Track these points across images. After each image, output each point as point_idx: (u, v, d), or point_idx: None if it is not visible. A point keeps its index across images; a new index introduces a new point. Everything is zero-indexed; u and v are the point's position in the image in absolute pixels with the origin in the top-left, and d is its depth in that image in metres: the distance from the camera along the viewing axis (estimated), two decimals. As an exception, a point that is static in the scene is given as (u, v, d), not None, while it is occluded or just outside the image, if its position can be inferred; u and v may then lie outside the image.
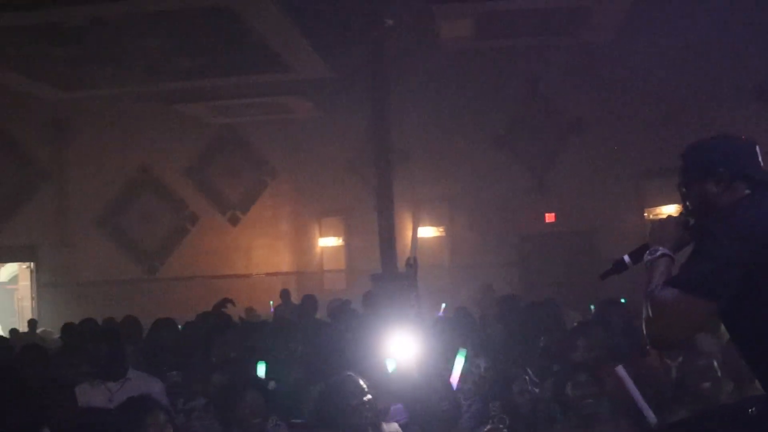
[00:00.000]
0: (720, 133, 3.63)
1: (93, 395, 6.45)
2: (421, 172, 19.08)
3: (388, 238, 14.31)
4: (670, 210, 16.44)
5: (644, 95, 16.74)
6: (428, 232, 19.99)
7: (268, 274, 21.13)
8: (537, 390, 6.07)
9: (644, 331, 3.24)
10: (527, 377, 6.14)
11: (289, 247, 21.81)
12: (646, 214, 17.63)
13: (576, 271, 16.51)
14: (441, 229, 19.91)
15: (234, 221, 21.40)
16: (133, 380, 6.55)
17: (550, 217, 18.75)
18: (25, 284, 21.37)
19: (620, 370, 4.80)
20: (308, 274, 21.42)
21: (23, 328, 16.66)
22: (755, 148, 3.45)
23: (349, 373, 5.31)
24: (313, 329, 8.77)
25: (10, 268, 22.70)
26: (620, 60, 15.57)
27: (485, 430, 5.59)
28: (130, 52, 15.23)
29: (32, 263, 20.85)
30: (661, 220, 3.62)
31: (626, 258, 3.63)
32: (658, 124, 16.35)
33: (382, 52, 14.61)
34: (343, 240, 20.99)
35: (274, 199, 21.54)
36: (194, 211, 21.25)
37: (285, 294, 16.34)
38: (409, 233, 19.88)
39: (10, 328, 17.19)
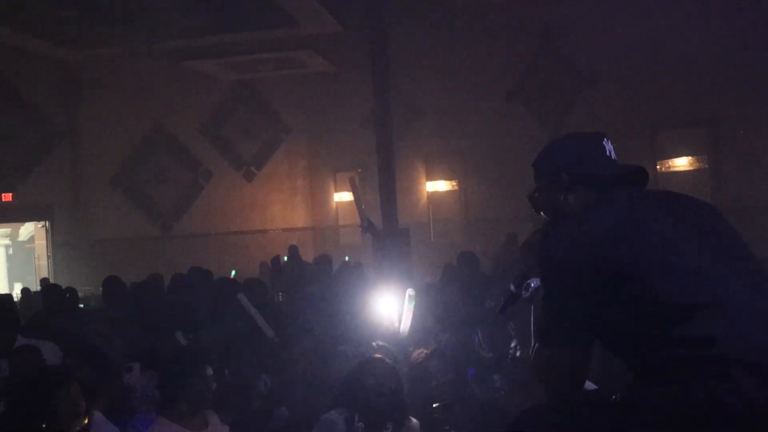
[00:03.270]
0: (569, 133, 3.43)
1: None
2: (433, 126, 19.09)
3: (389, 194, 14.37)
4: (683, 163, 16.46)
5: (657, 47, 16.66)
6: (441, 186, 20.04)
7: (284, 229, 21.22)
8: (489, 355, 6.04)
9: None
10: (477, 340, 6.13)
11: (305, 202, 21.89)
12: (658, 167, 17.61)
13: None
14: (454, 183, 19.95)
15: (249, 177, 21.45)
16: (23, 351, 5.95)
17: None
18: (41, 243, 21.48)
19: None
20: (324, 229, 21.51)
21: (38, 287, 16.75)
22: (602, 142, 3.19)
23: (379, 355, 5.31)
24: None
25: (29, 227, 22.85)
26: (633, 11, 15.50)
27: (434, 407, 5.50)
28: (140, 11, 15.23)
29: (47, 222, 20.92)
30: (529, 240, 3.39)
31: (512, 287, 3.35)
32: (672, 76, 16.29)
33: (383, 4, 14.54)
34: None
35: (289, 155, 21.57)
36: (209, 167, 21.31)
37: (293, 250, 16.31)
38: (422, 187, 19.93)
39: (23, 287, 17.33)
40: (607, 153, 3.19)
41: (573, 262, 2.85)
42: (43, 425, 3.92)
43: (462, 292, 8.40)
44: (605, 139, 3.22)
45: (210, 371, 4.93)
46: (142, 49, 17.47)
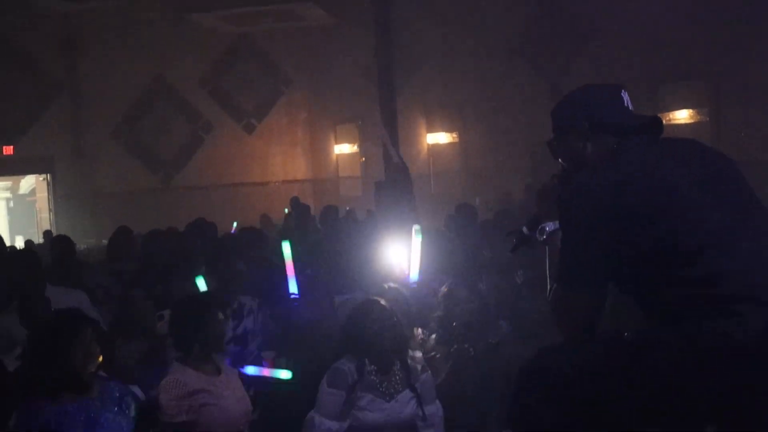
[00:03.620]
0: (585, 84, 3.49)
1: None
2: (433, 78, 19.05)
3: (391, 145, 14.38)
4: (683, 116, 16.46)
5: (658, 1, 16.58)
6: (441, 138, 20.04)
7: (284, 181, 21.27)
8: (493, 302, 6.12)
9: None
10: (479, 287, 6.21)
11: (305, 154, 21.93)
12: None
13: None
14: (454, 135, 19.94)
15: (249, 129, 21.47)
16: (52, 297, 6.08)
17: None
18: (43, 196, 21.52)
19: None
20: (324, 181, 21.56)
21: (41, 240, 16.82)
22: (620, 93, 3.29)
23: (375, 297, 5.45)
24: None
25: (30, 181, 22.88)
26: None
27: (452, 349, 5.64)
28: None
29: (48, 175, 20.95)
30: (546, 185, 3.52)
31: (525, 230, 3.51)
32: (672, 29, 16.22)
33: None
34: (358, 147, 21.06)
35: (289, 107, 21.57)
36: (209, 120, 21.31)
37: (295, 202, 16.36)
38: (423, 139, 19.95)
39: (26, 239, 17.41)
40: (625, 104, 3.28)
41: (591, 207, 2.99)
42: (60, 367, 4.14)
43: (462, 241, 8.49)
44: (623, 91, 3.31)
45: (221, 316, 5.08)
46: (140, 2, 17.40)
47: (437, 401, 5.15)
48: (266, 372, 5.67)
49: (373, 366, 4.98)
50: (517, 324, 5.89)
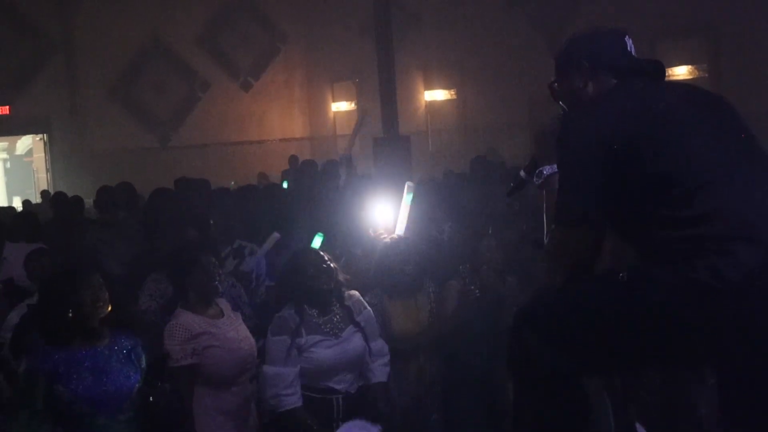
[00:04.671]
0: (592, 26, 3.55)
1: None
2: (431, 35, 18.94)
3: (389, 102, 14.34)
4: (682, 71, 16.38)
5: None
6: (439, 95, 19.96)
7: (281, 139, 21.23)
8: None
9: None
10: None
11: (302, 112, 21.87)
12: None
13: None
14: (452, 92, 19.86)
15: (246, 87, 21.41)
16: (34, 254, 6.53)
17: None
18: (40, 156, 21.50)
19: None
20: (321, 139, 21.52)
21: (39, 200, 16.81)
22: (624, 38, 3.33)
23: (312, 246, 5.67)
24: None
25: (26, 141, 22.83)
26: None
27: (459, 286, 5.77)
28: None
29: (45, 135, 20.92)
30: (544, 127, 3.49)
31: (522, 174, 3.52)
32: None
33: None
34: (356, 104, 20.99)
35: (286, 65, 21.48)
36: (206, 78, 21.25)
37: (293, 160, 16.39)
38: (420, 96, 19.86)
39: (24, 199, 17.40)
40: (628, 48, 3.32)
41: (589, 141, 3.03)
42: (70, 313, 4.25)
43: (474, 193, 8.55)
44: (627, 36, 3.34)
45: (214, 260, 5.21)
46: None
47: (381, 338, 5.35)
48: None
49: (314, 309, 5.13)
50: (524, 279, 5.94)
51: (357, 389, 5.18)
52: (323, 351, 5.04)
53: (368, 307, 5.36)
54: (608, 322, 2.98)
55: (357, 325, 5.19)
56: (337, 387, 5.08)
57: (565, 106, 3.40)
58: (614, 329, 2.96)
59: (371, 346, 5.23)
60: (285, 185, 11.96)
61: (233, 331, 5.08)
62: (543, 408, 3.16)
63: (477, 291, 5.71)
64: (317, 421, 4.96)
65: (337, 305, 5.20)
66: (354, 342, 5.15)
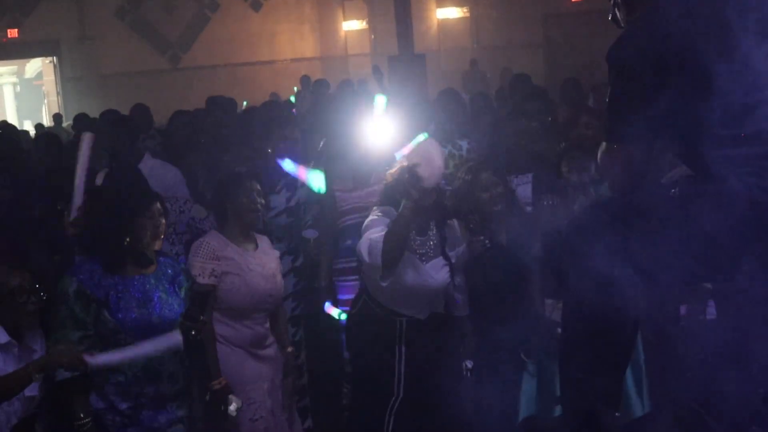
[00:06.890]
0: None
1: None
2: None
3: (404, 19, 14.12)
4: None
5: None
6: (451, 13, 19.73)
7: (292, 60, 21.08)
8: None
9: None
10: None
11: (313, 31, 21.65)
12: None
13: (602, 53, 16.24)
14: (465, 10, 19.63)
15: (256, 7, 21.16)
16: (150, 167, 6.42)
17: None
18: (50, 79, 21.45)
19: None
20: (333, 59, 21.35)
21: (51, 123, 16.79)
22: None
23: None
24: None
25: (35, 64, 22.74)
26: None
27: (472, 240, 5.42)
28: None
29: (55, 57, 20.83)
30: None
31: None
32: None
33: None
34: (368, 23, 20.78)
35: (296, -17, 21.25)
36: (215, -3, 21.02)
37: (305, 80, 16.29)
38: (432, 15, 19.64)
39: (37, 123, 17.38)
40: None
41: (638, 56, 2.98)
42: (127, 240, 4.23)
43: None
44: None
45: (258, 187, 5.02)
46: None
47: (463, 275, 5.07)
48: (302, 173, 5.66)
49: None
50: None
51: (427, 316, 4.92)
52: (409, 271, 4.79)
53: (463, 244, 5.05)
54: (658, 236, 2.98)
55: (447, 258, 4.91)
56: (406, 312, 4.86)
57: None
58: (663, 242, 2.97)
59: (455, 281, 4.96)
60: (293, 99, 11.83)
61: (260, 265, 4.94)
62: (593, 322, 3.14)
63: (487, 242, 5.36)
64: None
65: (434, 229, 4.93)
66: (439, 276, 4.88)
